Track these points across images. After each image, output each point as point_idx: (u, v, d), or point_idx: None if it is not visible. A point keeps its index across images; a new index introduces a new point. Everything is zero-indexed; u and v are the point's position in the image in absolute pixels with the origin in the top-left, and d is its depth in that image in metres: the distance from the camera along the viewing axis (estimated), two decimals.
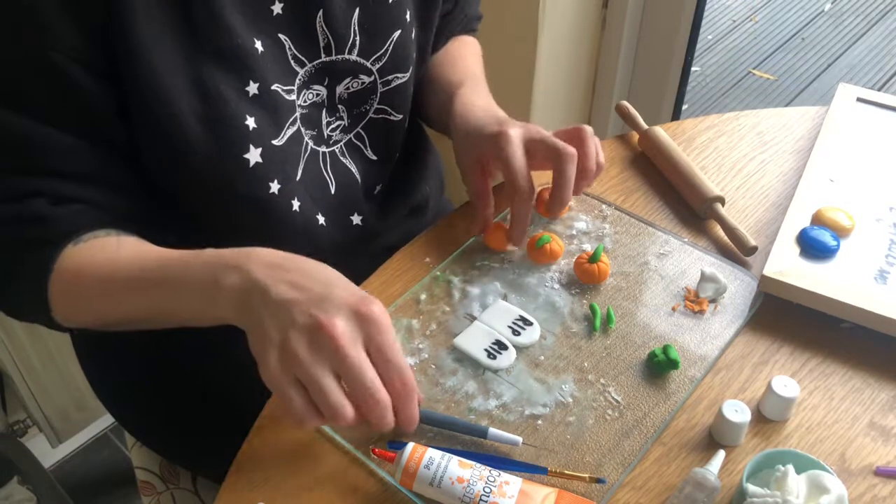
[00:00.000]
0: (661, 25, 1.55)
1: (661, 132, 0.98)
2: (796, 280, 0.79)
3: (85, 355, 1.02)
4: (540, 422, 0.71)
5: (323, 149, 0.85)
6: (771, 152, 0.99)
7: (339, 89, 0.83)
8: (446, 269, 0.84)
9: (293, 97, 0.79)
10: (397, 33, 0.85)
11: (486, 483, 0.63)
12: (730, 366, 0.76)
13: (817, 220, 0.87)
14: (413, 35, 0.88)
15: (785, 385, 0.71)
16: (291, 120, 0.79)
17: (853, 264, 0.83)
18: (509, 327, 0.78)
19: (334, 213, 0.87)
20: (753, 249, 0.85)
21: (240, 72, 0.73)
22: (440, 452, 0.65)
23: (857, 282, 0.81)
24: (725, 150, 1.00)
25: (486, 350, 0.75)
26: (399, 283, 0.83)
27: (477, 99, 0.90)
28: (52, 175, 0.70)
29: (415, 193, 0.99)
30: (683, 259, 0.86)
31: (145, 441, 1.00)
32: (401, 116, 0.91)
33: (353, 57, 0.82)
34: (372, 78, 0.85)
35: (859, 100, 1.04)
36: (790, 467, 0.62)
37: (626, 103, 1.04)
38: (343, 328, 0.59)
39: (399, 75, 0.87)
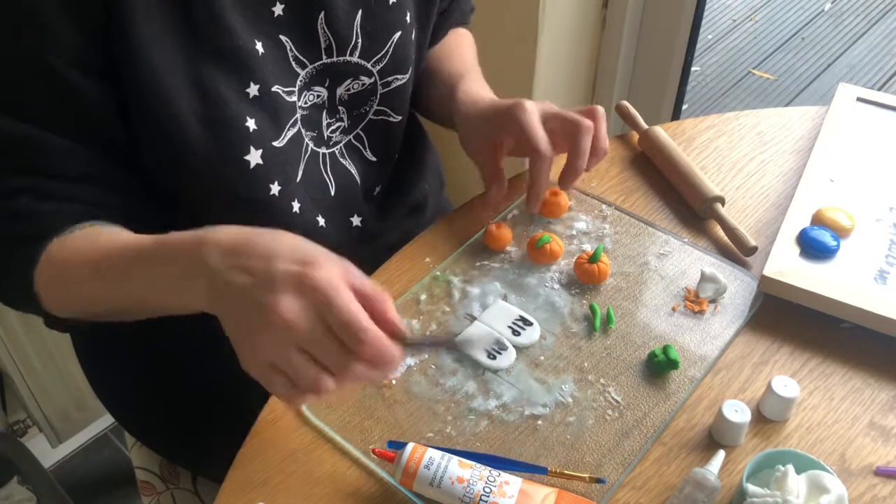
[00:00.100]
0: (661, 25, 1.55)
1: (661, 132, 0.98)
2: (796, 280, 0.79)
3: (85, 355, 1.02)
4: (540, 422, 0.71)
5: (323, 150, 0.85)
6: (771, 152, 0.99)
7: (340, 91, 0.83)
8: (446, 270, 0.84)
9: (294, 98, 0.79)
10: (398, 35, 0.85)
11: (486, 483, 0.63)
12: (730, 366, 0.76)
13: (817, 221, 0.87)
14: (413, 36, 0.88)
15: (785, 385, 0.71)
16: (292, 121, 0.79)
17: (853, 264, 0.83)
18: (509, 327, 0.78)
19: (334, 214, 0.87)
20: (753, 249, 0.85)
21: (240, 73, 0.73)
22: (440, 452, 0.65)
23: (857, 282, 0.81)
24: (725, 150, 1.00)
25: (486, 350, 0.75)
26: (399, 283, 0.83)
27: (480, 88, 0.93)
28: (44, 174, 0.69)
29: (414, 192, 0.99)
30: (683, 259, 0.86)
31: (145, 441, 1.00)
32: (400, 117, 0.91)
33: (355, 59, 0.82)
34: (372, 79, 0.85)
35: (859, 100, 1.04)
36: (790, 467, 0.62)
37: (626, 103, 1.04)
38: (288, 307, 0.57)
39: (399, 76, 0.87)
